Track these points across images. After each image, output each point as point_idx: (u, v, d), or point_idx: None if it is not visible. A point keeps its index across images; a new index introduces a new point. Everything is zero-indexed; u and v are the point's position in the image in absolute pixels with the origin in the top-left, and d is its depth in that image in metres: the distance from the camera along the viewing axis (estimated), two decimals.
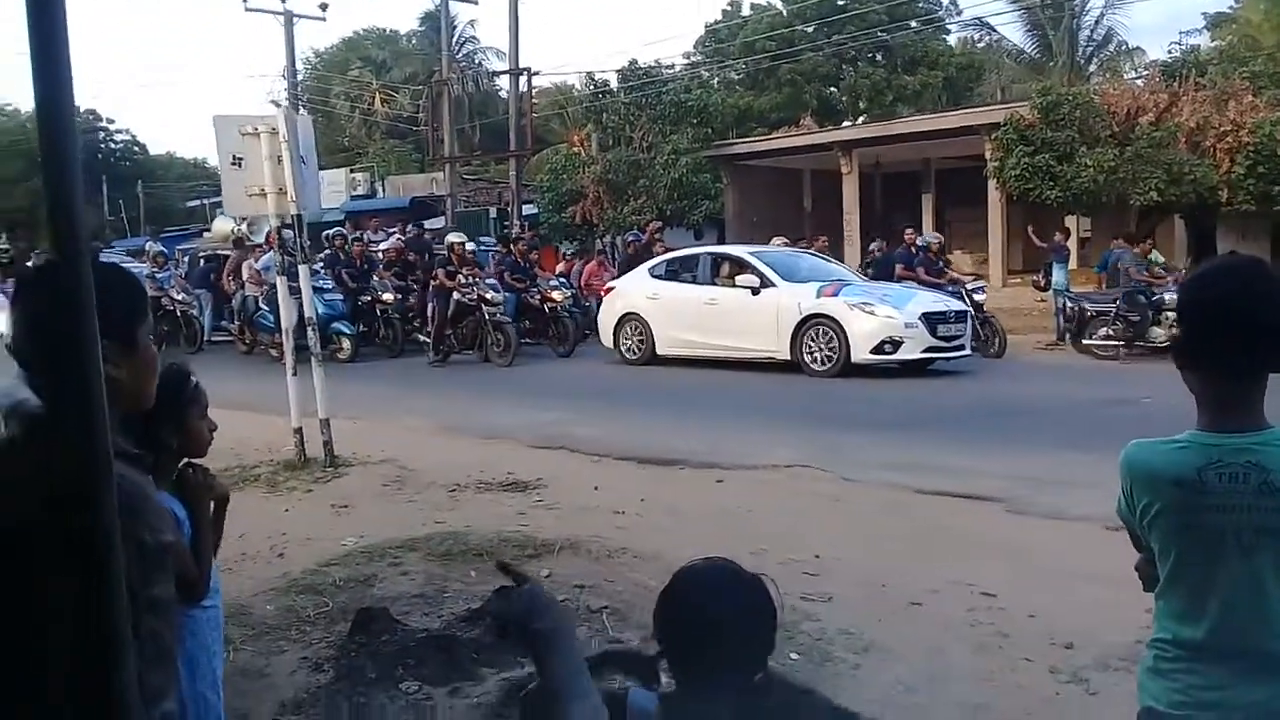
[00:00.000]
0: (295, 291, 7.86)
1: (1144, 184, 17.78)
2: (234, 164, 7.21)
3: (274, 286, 13.52)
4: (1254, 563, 1.71)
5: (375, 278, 16.29)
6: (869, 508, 6.28)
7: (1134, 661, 3.34)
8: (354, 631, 4.39)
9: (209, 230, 23.33)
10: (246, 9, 27.16)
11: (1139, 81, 23.02)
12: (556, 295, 15.61)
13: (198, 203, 40.81)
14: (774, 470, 7.19)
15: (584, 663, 1.58)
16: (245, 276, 16.92)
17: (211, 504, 3.01)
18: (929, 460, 7.32)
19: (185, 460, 3.03)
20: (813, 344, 12.45)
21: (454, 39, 36.18)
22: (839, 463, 7.26)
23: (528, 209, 24.85)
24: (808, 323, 12.51)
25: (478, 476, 7.15)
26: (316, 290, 13.33)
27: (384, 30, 49.24)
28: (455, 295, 14.62)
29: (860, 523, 5.98)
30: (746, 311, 13.05)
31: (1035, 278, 17.96)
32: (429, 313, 15.37)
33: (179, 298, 17.64)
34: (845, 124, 29.57)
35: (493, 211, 25.97)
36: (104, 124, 51.43)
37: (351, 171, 34.18)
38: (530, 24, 34.81)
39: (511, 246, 17.13)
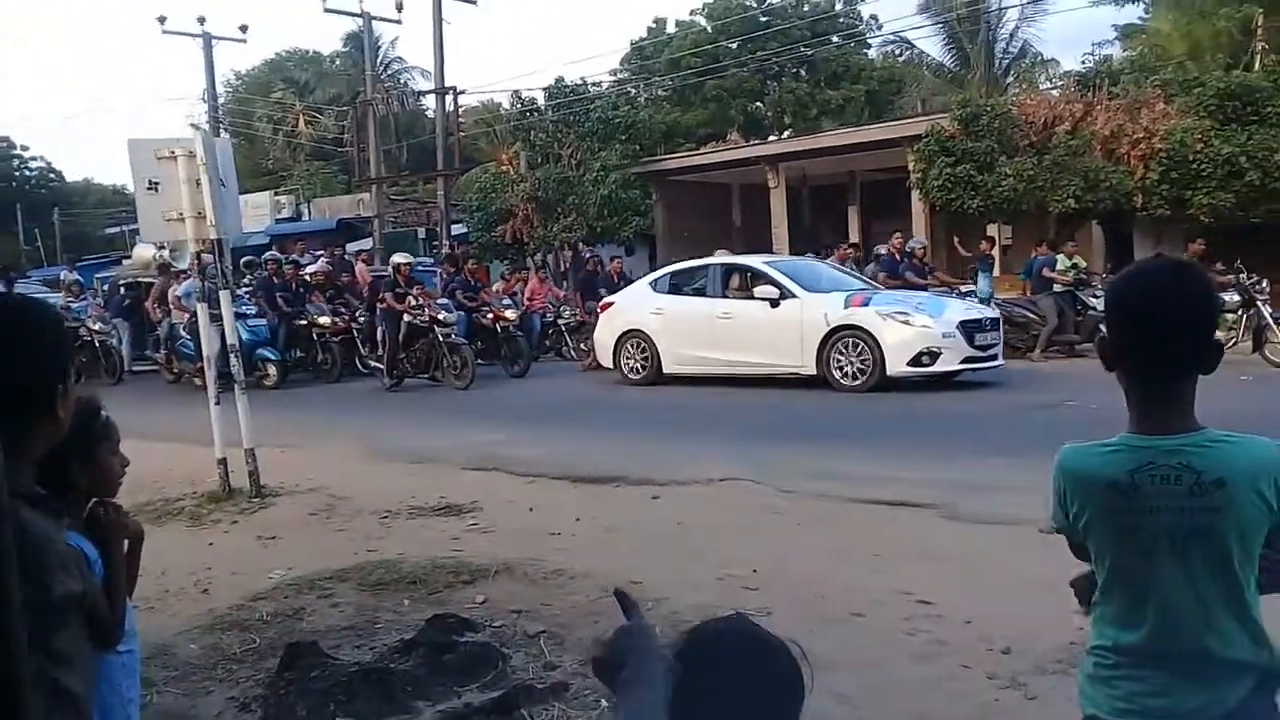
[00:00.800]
0: (217, 318, 7.67)
1: (1062, 191, 18.19)
2: (150, 188, 7.01)
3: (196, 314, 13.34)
4: (1188, 564, 1.70)
5: (309, 302, 15.90)
6: (804, 518, 6.28)
7: (1071, 665, 3.37)
8: (283, 668, 4.26)
9: (129, 257, 22.74)
10: (163, 31, 26.66)
11: (1055, 92, 23.59)
12: (509, 314, 15.30)
13: (117, 229, 39.80)
14: (707, 484, 7.16)
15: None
16: (169, 303, 16.50)
17: (125, 542, 2.89)
18: (856, 470, 7.33)
19: (96, 499, 2.91)
20: (841, 357, 11.77)
21: (379, 59, 35.90)
22: (773, 474, 7.26)
23: (457, 228, 24.65)
24: (835, 335, 11.81)
25: (410, 502, 7.03)
26: (240, 316, 12.99)
27: (307, 51, 48.67)
28: (406, 317, 14.17)
29: (796, 534, 5.97)
30: (766, 325, 12.29)
31: (962, 287, 18.26)
32: (379, 336, 14.89)
33: (96, 328, 17.15)
34: (771, 138, 29.87)
35: (421, 232, 25.75)
36: (18, 151, 50.09)
37: (276, 194, 33.67)
38: (456, 43, 34.68)
39: (462, 266, 16.82)
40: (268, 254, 18.07)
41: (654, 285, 14.13)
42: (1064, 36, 76.61)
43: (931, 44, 35.33)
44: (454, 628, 4.53)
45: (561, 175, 23.94)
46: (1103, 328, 1.98)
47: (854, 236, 23.01)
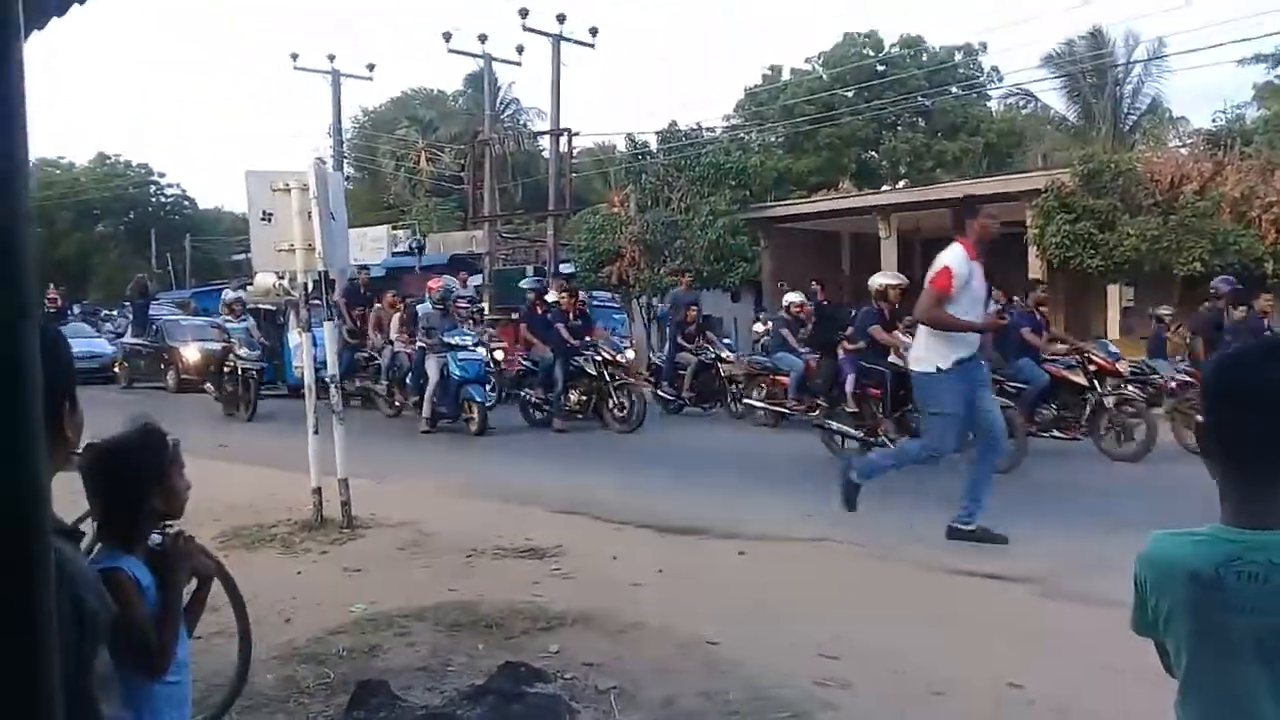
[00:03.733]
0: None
1: (1188, 253, 17.52)
2: (264, 219, 7.22)
3: (428, 346, 13.30)
4: (1273, 673, 1.53)
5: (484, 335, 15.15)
6: (896, 586, 6.06)
7: None
8: (352, 706, 4.25)
9: (251, 284, 23.59)
10: (295, 68, 27.76)
11: (1183, 150, 22.81)
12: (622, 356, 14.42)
13: (244, 256, 41.43)
14: (797, 543, 6.98)
15: None
16: (394, 332, 15.22)
17: (193, 578, 2.91)
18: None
19: (170, 526, 2.94)
20: None
21: (498, 99, 36.75)
22: (868, 535, 7.03)
23: (565, 268, 24.92)
24: None
25: (496, 542, 7.02)
26: (450, 348, 13.11)
27: (432, 91, 50.20)
28: (577, 359, 13.65)
29: (885, 602, 5.76)
30: None
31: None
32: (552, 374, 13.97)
33: (242, 353, 15.76)
34: (884, 188, 29.54)
35: (530, 270, 26.08)
36: (155, 178, 52.66)
37: (394, 229, 34.58)
38: (572, 85, 35.24)
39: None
40: (527, 282, 16.78)
41: None
42: (1196, 94, 74.41)
43: (1055, 97, 34.62)
44: (524, 677, 4.46)
45: (670, 218, 24.04)
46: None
47: None
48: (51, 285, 27.74)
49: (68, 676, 1.52)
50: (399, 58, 66.64)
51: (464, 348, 13.24)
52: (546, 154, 29.51)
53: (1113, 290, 20.39)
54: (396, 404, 15.00)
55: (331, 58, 28.65)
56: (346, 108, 31.14)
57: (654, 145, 27.30)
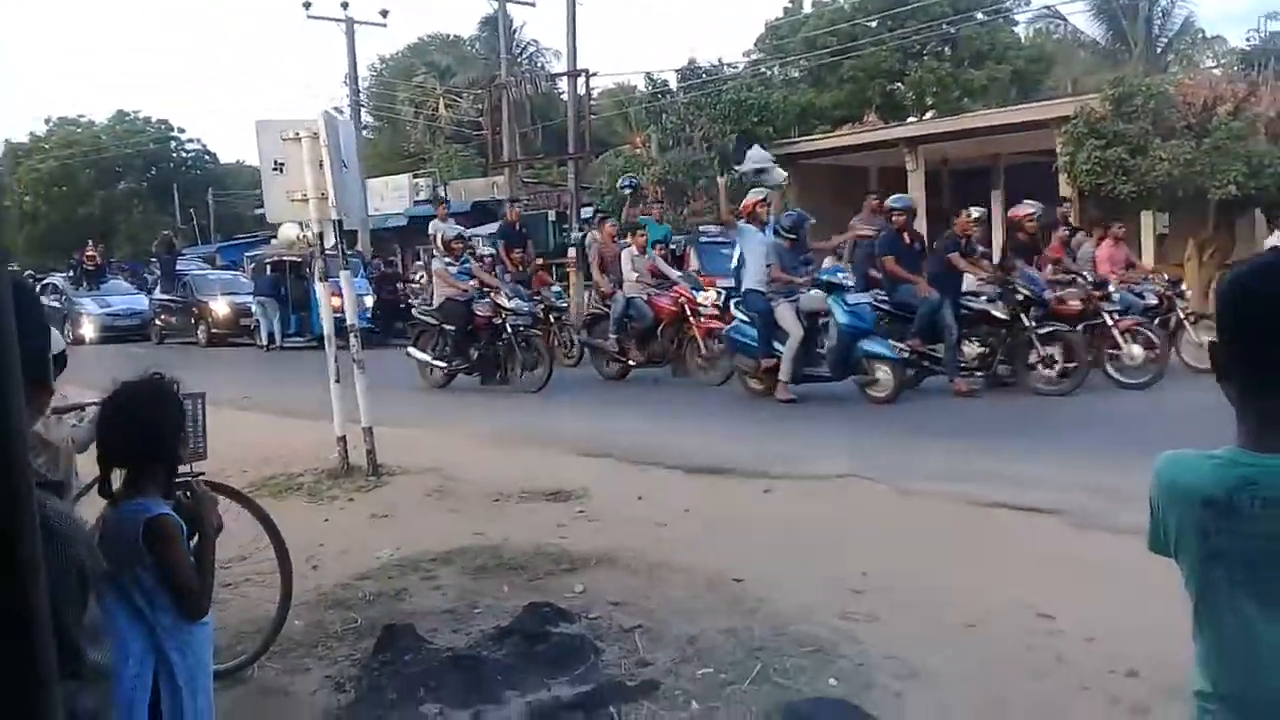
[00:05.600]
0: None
1: (1223, 177, 17.08)
2: (275, 169, 7.16)
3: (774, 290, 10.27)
4: None
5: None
6: (923, 521, 6.00)
7: None
8: (378, 649, 4.27)
9: (275, 237, 23.62)
10: (308, 17, 27.51)
11: (1216, 71, 22.21)
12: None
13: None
14: (823, 480, 6.92)
15: None
16: (629, 272, 12.71)
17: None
18: (982, 470, 6.95)
19: (189, 474, 2.96)
20: None
21: (515, 42, 36.31)
22: (894, 472, 6.97)
23: (586, 211, 24.73)
24: None
25: (521, 485, 7.02)
26: (837, 288, 10.19)
27: (448, 36, 49.65)
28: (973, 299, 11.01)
29: (913, 537, 5.71)
30: None
31: None
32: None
33: (512, 305, 12.21)
34: (910, 120, 29.02)
35: (552, 215, 25.89)
36: (175, 134, 52.63)
37: (415, 177, 34.44)
38: (592, 25, 34.69)
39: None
40: (897, 200, 11.99)
41: None
42: (1229, 13, 72.28)
43: (1085, 20, 33.74)
44: (549, 617, 4.46)
45: (692, 158, 23.74)
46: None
47: (998, 221, 22.14)
48: (90, 243, 27.84)
49: (58, 628, 1.51)
50: (413, 3, 65.97)
51: (845, 288, 10.36)
52: (566, 96, 29.19)
53: (1146, 217, 19.94)
54: (631, 362, 12.63)
55: (345, 5, 28.38)
56: (363, 56, 30.90)
57: (674, 84, 26.89)
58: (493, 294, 12.26)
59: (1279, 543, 1.45)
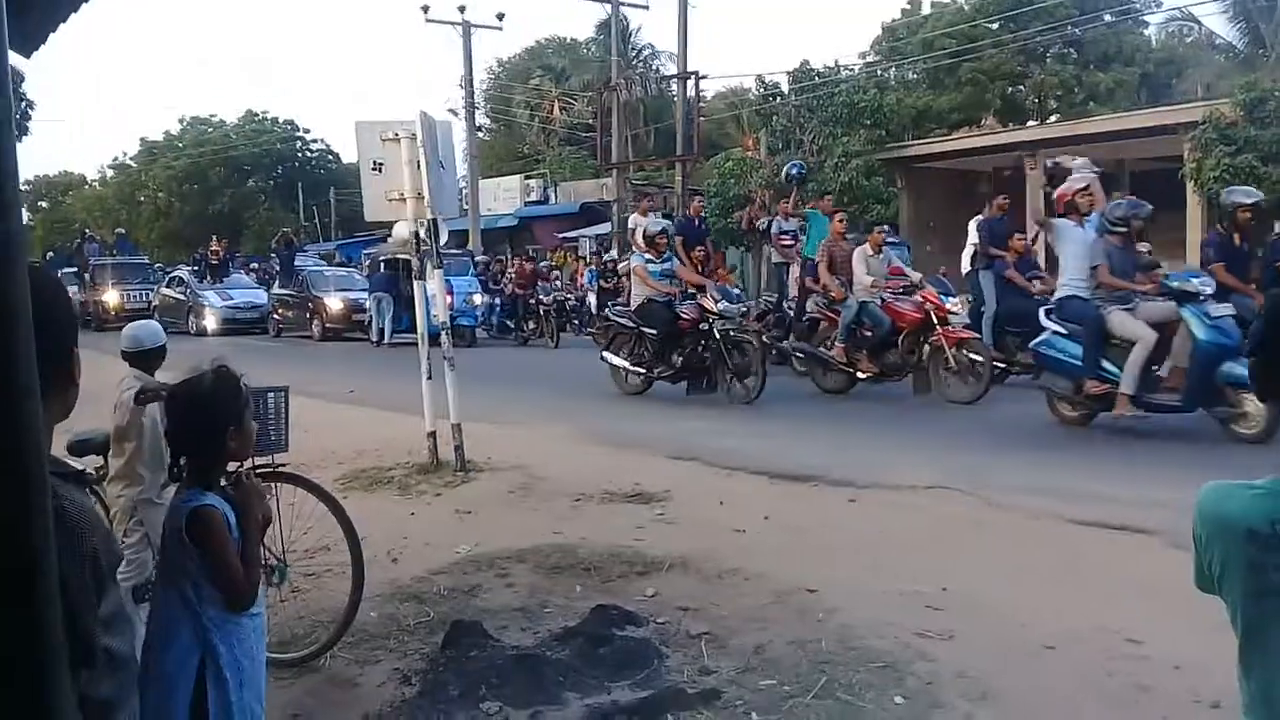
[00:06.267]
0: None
1: None
2: (375, 169, 7.33)
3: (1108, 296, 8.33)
4: None
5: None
6: (1010, 536, 5.80)
7: None
8: (446, 645, 4.33)
9: (390, 236, 24.22)
10: (427, 20, 28.13)
11: None
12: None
13: None
14: (911, 491, 6.75)
15: None
16: (862, 276, 11.35)
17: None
18: (1075, 486, 6.65)
19: (239, 466, 3.00)
20: None
21: (630, 45, 36.51)
22: (984, 484, 6.75)
23: None
24: None
25: (605, 486, 7.03)
26: (1186, 297, 8.19)
27: (565, 39, 50.21)
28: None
29: (999, 552, 5.52)
30: None
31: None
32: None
33: (718, 307, 10.99)
34: (1030, 123, 28.18)
35: (655, 216, 25.93)
36: (300, 134, 54.47)
37: (526, 178, 34.94)
38: (706, 28, 34.67)
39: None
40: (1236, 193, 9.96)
41: None
42: None
43: (1220, 22, 32.23)
44: (616, 620, 4.45)
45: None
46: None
47: None
48: (214, 238, 29.00)
49: (69, 616, 1.54)
50: (530, 7, 66.91)
51: (1203, 296, 8.28)
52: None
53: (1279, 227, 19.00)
54: (860, 375, 11.23)
55: (462, 9, 28.96)
56: (480, 59, 31.47)
57: (785, 86, 26.65)
58: (699, 295, 11.13)
59: None
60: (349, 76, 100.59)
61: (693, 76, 24.59)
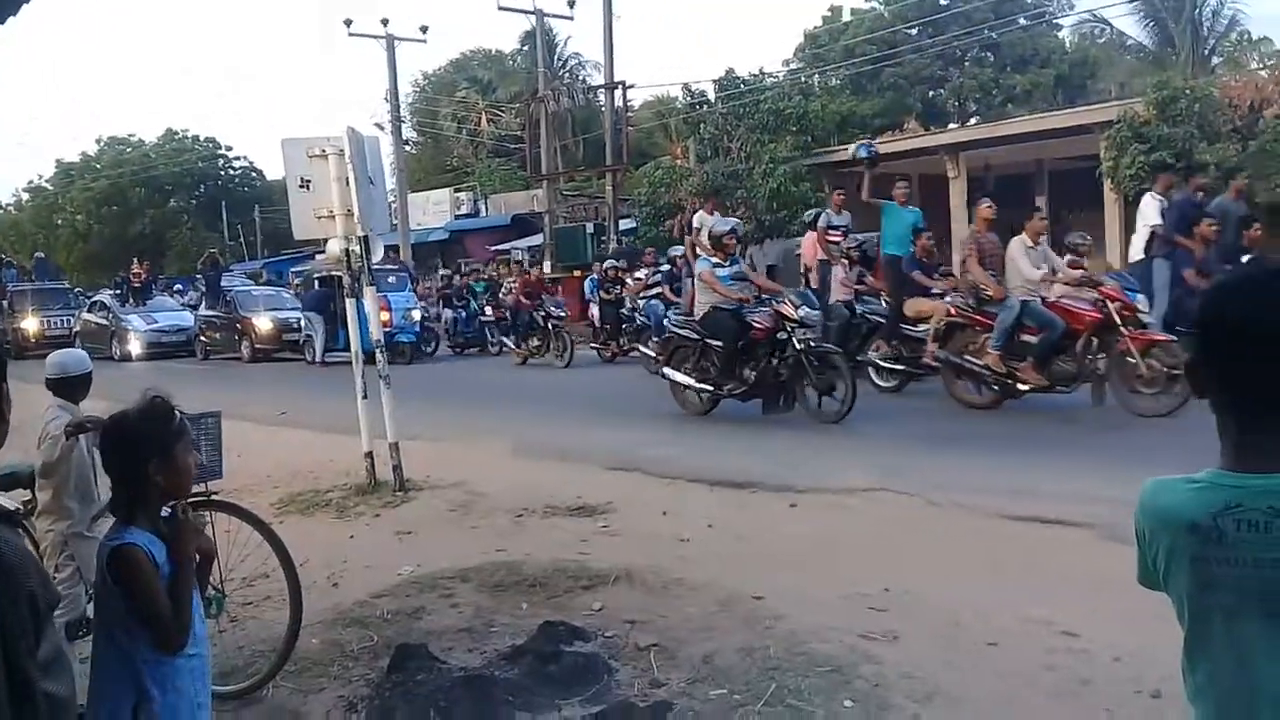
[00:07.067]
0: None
1: (1270, 180, 16.75)
2: (302, 186, 7.22)
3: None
4: (1277, 629, 1.39)
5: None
6: (948, 535, 5.88)
7: None
8: (391, 669, 4.26)
9: (322, 253, 23.87)
10: (350, 34, 27.85)
11: (1262, 73, 21.77)
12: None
13: None
14: (850, 494, 6.82)
15: None
16: (1028, 270, 9.52)
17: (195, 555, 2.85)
18: (1012, 483, 6.73)
19: (175, 501, 2.90)
20: None
21: (556, 56, 36.51)
22: (921, 484, 6.84)
23: (625, 223, 24.78)
24: None
25: (547, 501, 6.99)
26: None
27: (490, 51, 50.06)
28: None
29: (938, 552, 5.59)
30: None
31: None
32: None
33: (797, 315, 9.65)
34: (951, 126, 28.74)
35: (590, 227, 25.97)
36: (223, 152, 53.55)
37: (456, 191, 34.73)
38: (631, 37, 34.84)
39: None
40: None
41: None
42: (1277, 14, 70.64)
43: (1130, 24, 33.23)
44: (563, 636, 4.42)
45: (730, 168, 23.70)
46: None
47: None
48: (135, 260, 28.35)
49: (7, 659, 1.49)
50: (453, 19, 66.55)
51: None
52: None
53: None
54: (1021, 386, 9.53)
55: (385, 22, 28.74)
56: (405, 72, 31.22)
57: (712, 95, 26.88)
58: (774, 302, 9.79)
59: (1269, 569, 1.38)
60: (271, 92, 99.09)
61: (620, 86, 24.67)
